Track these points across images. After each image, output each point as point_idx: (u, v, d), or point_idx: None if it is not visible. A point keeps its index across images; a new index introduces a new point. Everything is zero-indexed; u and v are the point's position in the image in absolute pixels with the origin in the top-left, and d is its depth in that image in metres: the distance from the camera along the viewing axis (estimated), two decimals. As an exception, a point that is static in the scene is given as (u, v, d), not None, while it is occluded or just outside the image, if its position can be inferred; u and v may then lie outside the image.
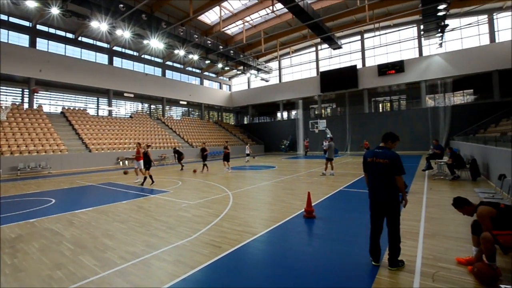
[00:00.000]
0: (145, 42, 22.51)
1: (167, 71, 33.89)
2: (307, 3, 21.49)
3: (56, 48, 23.94)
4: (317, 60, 34.75)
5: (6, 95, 21.83)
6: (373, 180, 3.65)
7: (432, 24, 21.76)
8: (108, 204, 7.55)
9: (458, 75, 25.72)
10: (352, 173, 12.92)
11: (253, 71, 34.36)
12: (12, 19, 21.33)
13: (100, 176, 14.23)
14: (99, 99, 27.63)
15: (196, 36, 23.89)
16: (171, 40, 23.51)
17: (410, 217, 5.57)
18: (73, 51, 25.07)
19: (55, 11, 17.42)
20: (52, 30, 23.62)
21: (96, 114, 26.89)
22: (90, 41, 26.24)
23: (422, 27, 23.30)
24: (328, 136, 27.90)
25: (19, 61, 20.45)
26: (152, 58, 31.91)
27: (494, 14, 24.39)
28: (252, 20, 28.11)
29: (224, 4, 24.64)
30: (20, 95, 22.49)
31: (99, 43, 26.88)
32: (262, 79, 37.29)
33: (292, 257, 3.89)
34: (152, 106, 33.93)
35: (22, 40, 21.98)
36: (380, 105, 32.61)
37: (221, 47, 27.00)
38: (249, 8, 25.94)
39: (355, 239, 4.50)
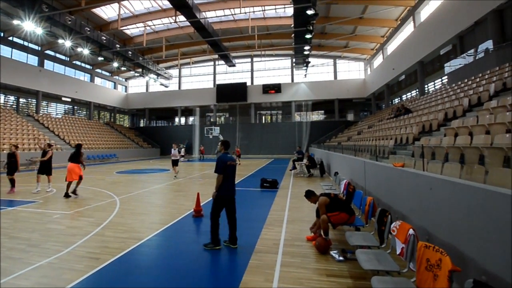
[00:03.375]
0: (15, 22, 16.88)
1: (46, 61, 26.47)
2: (208, 21, 21.59)
3: None
4: (214, 73, 35.28)
5: None
6: (231, 179, 4.05)
7: (300, 59, 25.98)
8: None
9: (315, 99, 31.65)
10: (238, 174, 13.61)
11: (152, 75, 31.41)
12: None
13: None
14: None
15: (88, 29, 19.75)
16: (54, 27, 18.51)
17: (278, 208, 6.33)
18: None
19: None
20: None
21: None
22: None
23: (294, 60, 27.49)
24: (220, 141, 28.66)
25: None
26: (26, 44, 24.27)
27: (337, 59, 31.52)
28: (154, 25, 25.70)
29: (125, 3, 21.50)
30: None
31: None
32: (162, 84, 34.62)
33: (179, 257, 3.69)
34: (22, 100, 25.77)
35: None
36: (263, 117, 36.19)
37: (118, 45, 23.41)
38: (152, 13, 23.63)
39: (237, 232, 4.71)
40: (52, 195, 8.02)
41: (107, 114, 37.07)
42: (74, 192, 7.58)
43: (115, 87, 36.44)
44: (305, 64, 27.12)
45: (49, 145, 8.81)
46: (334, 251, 3.70)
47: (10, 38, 23.10)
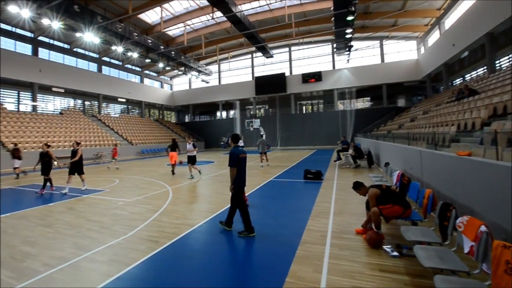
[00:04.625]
0: (77, 35, 19.35)
1: (103, 66, 29.87)
2: (244, 14, 21.65)
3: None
4: (252, 66, 35.46)
5: None
6: (243, 170, 4.24)
7: (342, 44, 24.46)
8: (30, 208, 6.26)
9: (360, 85, 29.60)
10: (281, 165, 13.63)
11: (194, 73, 33.01)
12: None
13: (23, 178, 11.73)
14: (20, 92, 22.69)
15: (136, 34, 21.63)
16: (108, 35, 20.72)
17: (324, 200, 6.18)
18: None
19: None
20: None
21: (16, 110, 22.06)
22: (8, 27, 21.23)
23: (335, 45, 26.02)
24: (261, 133, 28.91)
25: None
26: (87, 53, 27.67)
27: (384, 40, 28.82)
28: (193, 24, 26.84)
29: (166, 5, 22.86)
30: None
31: (20, 31, 22.00)
32: (203, 81, 36.18)
33: (227, 244, 3.89)
34: (87, 103, 29.55)
35: None
36: (304, 108, 35.26)
37: (162, 47, 25.09)
38: (190, 13, 24.69)
39: (282, 222, 4.76)
40: (116, 184, 9.12)
41: (156, 111, 40.29)
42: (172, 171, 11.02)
43: (161, 86, 39.32)
44: (347, 49, 25.44)
45: (78, 144, 8.20)
46: (388, 246, 3.48)
47: (75, 49, 26.49)
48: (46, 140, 18.50)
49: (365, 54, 29.94)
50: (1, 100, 21.40)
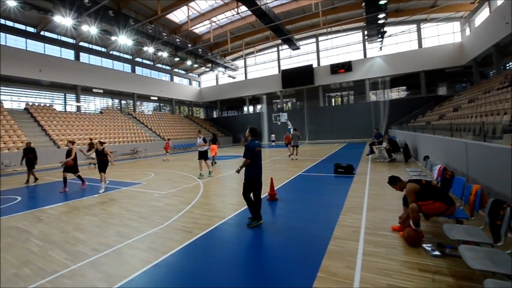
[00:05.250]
0: (113, 38, 20.77)
1: (136, 67, 31.69)
2: (269, 7, 21.37)
3: (15, 42, 20.99)
4: (278, 59, 35.02)
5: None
6: (258, 163, 4.44)
7: (374, 30, 23.04)
8: (78, 199, 6.96)
9: (394, 74, 27.74)
10: (310, 159, 13.39)
11: (220, 69, 33.59)
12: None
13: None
14: (66, 94, 25.01)
15: (165, 34, 22.57)
16: (139, 37, 21.90)
17: (356, 195, 5.96)
18: (35, 46, 22.22)
19: (11, 3, 15.29)
20: (12, 24, 20.64)
21: (63, 110, 24.37)
22: (54, 36, 23.43)
23: (366, 32, 24.59)
24: (289, 127, 28.60)
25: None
26: (121, 55, 29.53)
27: (421, 24, 26.55)
28: (218, 20, 27.22)
29: (192, 4, 23.46)
30: (-24, 90, 19.51)
31: (64, 38, 24.14)
32: (230, 76, 36.68)
33: (257, 237, 3.95)
34: (123, 102, 31.62)
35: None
36: (333, 100, 34.07)
37: (189, 45, 25.87)
38: (216, 9, 25.04)
39: (312, 217, 4.70)
40: (151, 178, 9.71)
41: (186, 108, 41.85)
42: (213, 161, 12.11)
43: (190, 84, 40.65)
44: (379, 36, 23.93)
45: (102, 143, 7.83)
46: (428, 245, 3.27)
47: (111, 52, 28.39)
48: (89, 137, 20.24)
49: (400, 40, 27.92)
50: (51, 102, 23.84)
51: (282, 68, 33.97)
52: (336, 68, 29.63)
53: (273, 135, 29.92)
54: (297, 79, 31.70)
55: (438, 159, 6.90)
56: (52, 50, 23.35)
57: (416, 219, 3.48)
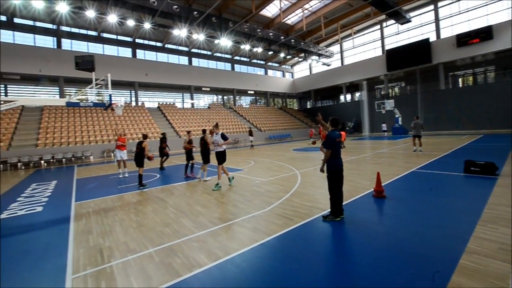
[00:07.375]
0: (216, 41, 23.82)
1: (235, 65, 35.10)
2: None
3: (150, 56, 27.44)
4: (382, 38, 30.77)
5: (120, 96, 26.22)
6: (338, 154, 4.31)
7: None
8: (193, 180, 8.43)
9: None
10: (427, 153, 11.23)
11: (314, 57, 32.68)
12: (119, 37, 25.36)
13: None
14: (183, 94, 30.65)
15: (259, 30, 23.85)
16: (237, 37, 24.08)
17: (502, 202, 4.61)
18: (161, 57, 28.34)
19: (147, 26, 19.94)
20: (145, 42, 27.06)
21: (182, 107, 29.95)
22: (174, 46, 29.00)
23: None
24: (397, 116, 24.94)
25: (124, 68, 24.27)
26: (222, 55, 33.37)
27: None
28: (311, 6, 26.32)
29: (283, -6, 23.71)
30: (129, 95, 26.71)
31: (180, 48, 29.46)
32: (324, 64, 35.19)
33: (363, 234, 3.68)
34: (225, 97, 35.82)
35: (126, 52, 26.11)
36: (459, 80, 27.12)
37: (282, 37, 26.34)
38: (308, -6, 24.35)
39: (432, 222, 3.97)
40: (252, 165, 10.65)
41: (279, 100, 43.23)
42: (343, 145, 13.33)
43: (283, 75, 41.58)
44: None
45: (145, 136, 7.77)
46: None
47: (215, 54, 32.45)
48: (201, 128, 24.11)
49: None
50: (174, 101, 29.83)
51: (387, 47, 29.66)
52: (466, 39, 23.35)
53: (384, 125, 26.59)
54: (407, 58, 26.97)
55: None
56: (173, 59, 29.06)
57: None
